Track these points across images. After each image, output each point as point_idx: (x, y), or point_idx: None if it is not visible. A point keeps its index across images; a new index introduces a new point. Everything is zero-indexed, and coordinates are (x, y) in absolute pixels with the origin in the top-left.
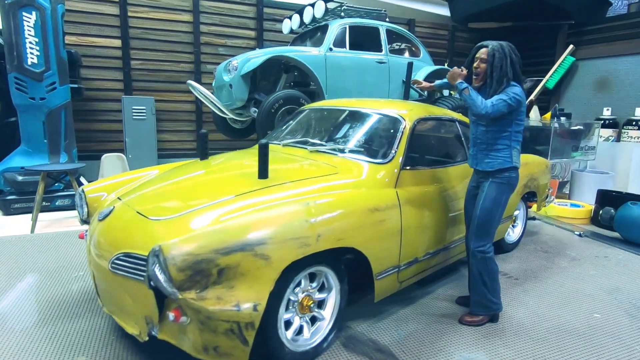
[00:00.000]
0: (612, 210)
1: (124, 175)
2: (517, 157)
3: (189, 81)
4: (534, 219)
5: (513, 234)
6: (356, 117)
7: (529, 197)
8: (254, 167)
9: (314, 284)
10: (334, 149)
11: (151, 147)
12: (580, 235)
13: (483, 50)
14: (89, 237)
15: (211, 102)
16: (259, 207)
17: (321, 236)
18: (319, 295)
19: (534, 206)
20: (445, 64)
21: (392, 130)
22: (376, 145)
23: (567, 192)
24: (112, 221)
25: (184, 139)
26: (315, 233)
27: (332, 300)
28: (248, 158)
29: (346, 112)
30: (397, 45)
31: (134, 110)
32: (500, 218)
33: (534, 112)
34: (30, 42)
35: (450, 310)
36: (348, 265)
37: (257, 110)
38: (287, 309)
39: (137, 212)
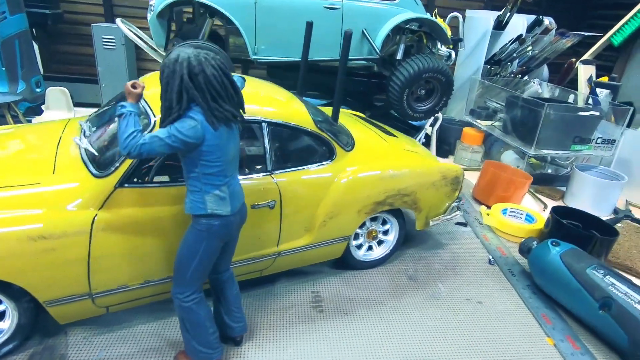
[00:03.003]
0: (535, 243)
1: None
2: (217, 202)
3: (117, 20)
4: (465, 225)
5: (376, 250)
6: None
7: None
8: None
9: None
10: (87, 150)
11: (123, 78)
12: (490, 262)
13: None
14: None
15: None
16: None
17: None
18: None
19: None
20: (434, 13)
21: None
22: (113, 151)
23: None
24: None
25: None
26: None
27: (11, 314)
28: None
29: None
30: None
31: (103, 39)
32: (201, 268)
33: (584, 76)
34: None
35: None
36: None
37: None
38: None
39: None
